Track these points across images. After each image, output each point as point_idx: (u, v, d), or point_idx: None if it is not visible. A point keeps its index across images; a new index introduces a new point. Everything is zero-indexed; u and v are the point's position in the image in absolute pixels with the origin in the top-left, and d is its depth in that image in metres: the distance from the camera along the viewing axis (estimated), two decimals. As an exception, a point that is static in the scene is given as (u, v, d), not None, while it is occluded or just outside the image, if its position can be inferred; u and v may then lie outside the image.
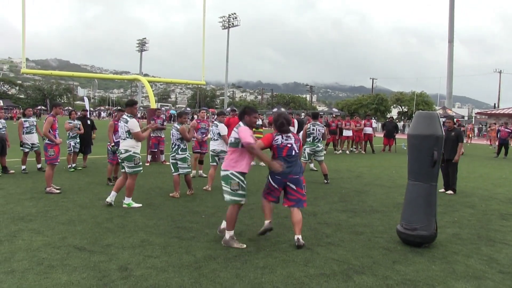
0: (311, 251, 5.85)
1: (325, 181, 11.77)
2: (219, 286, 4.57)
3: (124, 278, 4.70)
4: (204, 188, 10.19)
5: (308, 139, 11.83)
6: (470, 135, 32.97)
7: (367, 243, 6.31)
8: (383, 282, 4.84)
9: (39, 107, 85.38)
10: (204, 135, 12.22)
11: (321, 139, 11.92)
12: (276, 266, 5.22)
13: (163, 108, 69.78)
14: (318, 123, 11.94)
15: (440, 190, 11.06)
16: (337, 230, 6.96)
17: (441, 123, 6.39)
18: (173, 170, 9.28)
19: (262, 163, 14.79)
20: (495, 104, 77.00)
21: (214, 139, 10.40)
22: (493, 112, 57.33)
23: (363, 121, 23.50)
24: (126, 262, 5.19)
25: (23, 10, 15.17)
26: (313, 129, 11.80)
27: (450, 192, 10.86)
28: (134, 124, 7.98)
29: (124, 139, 8.14)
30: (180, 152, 9.22)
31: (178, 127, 9.30)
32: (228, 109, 47.86)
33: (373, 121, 24.22)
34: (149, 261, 5.24)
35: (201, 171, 12.59)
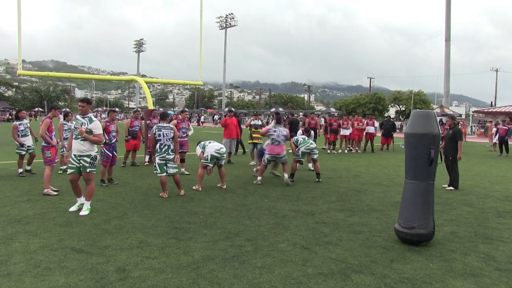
0: (309, 250, 5.85)
1: (317, 179, 11.90)
2: (217, 287, 4.57)
3: (122, 279, 4.69)
4: (194, 188, 10.18)
5: (298, 142, 12.07)
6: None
7: (365, 242, 6.31)
8: (381, 281, 4.84)
9: (36, 109, 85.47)
10: (184, 135, 12.91)
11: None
12: (274, 266, 5.22)
13: (160, 109, 69.84)
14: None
15: (443, 185, 11.17)
16: (335, 229, 6.96)
17: (438, 121, 6.38)
18: (159, 171, 9.11)
19: None
20: (491, 102, 77.19)
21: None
22: (490, 110, 57.49)
23: (365, 121, 23.54)
24: (124, 263, 5.18)
25: (19, 11, 15.11)
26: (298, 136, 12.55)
27: (451, 188, 10.98)
28: None
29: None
30: (170, 153, 9.16)
31: (172, 126, 9.29)
32: (226, 109, 47.85)
33: (374, 120, 24.27)
34: (147, 262, 5.24)
35: (183, 169, 12.66)
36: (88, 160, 7.69)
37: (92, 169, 7.77)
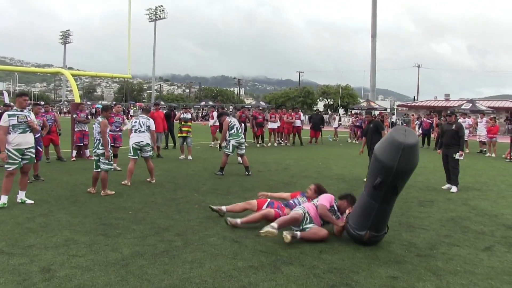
0: (240, 244, 5.89)
1: (246, 173, 11.91)
2: (147, 283, 4.51)
3: (47, 280, 4.52)
4: (123, 183, 9.96)
5: (232, 131, 11.74)
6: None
7: (294, 234, 6.41)
8: (310, 272, 4.95)
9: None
10: (118, 129, 12.84)
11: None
12: (204, 260, 5.22)
13: (88, 103, 67.82)
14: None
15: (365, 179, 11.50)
16: (265, 222, 7.00)
17: (401, 153, 5.65)
18: (94, 166, 8.99)
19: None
20: (414, 96, 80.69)
21: (140, 130, 10.21)
22: (413, 104, 60.17)
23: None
24: (49, 263, 4.99)
25: None
26: (235, 121, 12.00)
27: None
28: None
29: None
30: (100, 147, 8.90)
31: (100, 120, 9.02)
32: (155, 102, 47.14)
33: (301, 113, 24.63)
34: (74, 261, 5.07)
35: (115, 165, 12.30)
36: (34, 151, 8.05)
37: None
